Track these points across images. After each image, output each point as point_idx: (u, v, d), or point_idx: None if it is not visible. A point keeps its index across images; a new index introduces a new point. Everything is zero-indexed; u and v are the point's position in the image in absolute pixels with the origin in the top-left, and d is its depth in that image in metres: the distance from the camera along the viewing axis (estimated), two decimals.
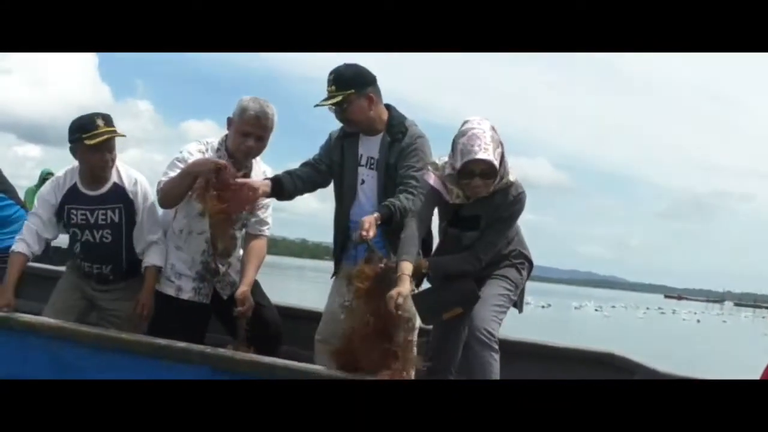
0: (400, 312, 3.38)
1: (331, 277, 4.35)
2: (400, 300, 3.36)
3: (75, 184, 4.25)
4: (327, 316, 4.23)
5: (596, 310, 39.34)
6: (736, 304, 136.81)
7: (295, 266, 77.77)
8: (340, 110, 4.02)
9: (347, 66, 4.06)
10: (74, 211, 4.23)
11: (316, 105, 4.03)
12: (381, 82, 4.13)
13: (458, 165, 3.60)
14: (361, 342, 3.43)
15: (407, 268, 3.52)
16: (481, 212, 3.76)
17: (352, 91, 4.00)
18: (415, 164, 3.98)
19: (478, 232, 3.78)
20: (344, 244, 4.22)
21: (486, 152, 3.53)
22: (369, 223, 3.72)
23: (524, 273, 3.95)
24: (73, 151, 4.18)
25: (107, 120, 4.12)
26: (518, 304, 3.97)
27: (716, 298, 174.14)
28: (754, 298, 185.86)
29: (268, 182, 3.97)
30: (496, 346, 3.61)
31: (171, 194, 4.00)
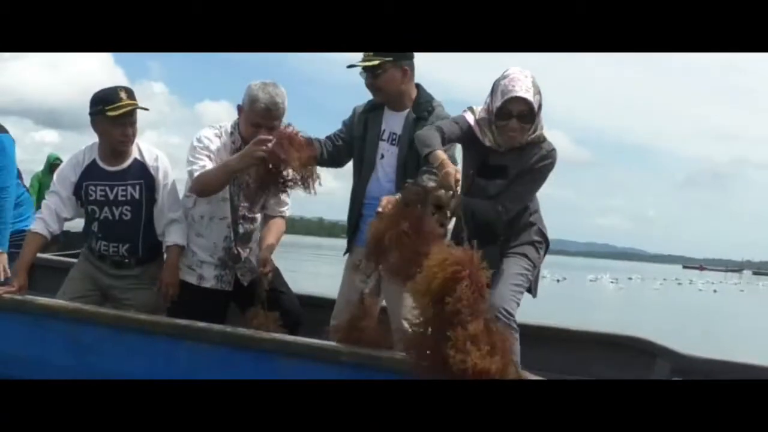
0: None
1: (344, 254, 4.30)
2: (459, 175, 3.41)
3: (94, 160, 4.17)
4: (341, 300, 4.19)
5: (612, 282, 39.21)
6: (755, 273, 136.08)
7: (313, 245, 77.94)
8: (373, 75, 4.01)
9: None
10: (93, 188, 4.15)
11: (350, 66, 4.03)
12: None
13: (498, 103, 3.60)
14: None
15: (443, 154, 3.50)
16: (509, 163, 3.73)
17: (390, 59, 3.99)
18: None
19: (505, 181, 3.74)
20: (358, 220, 4.18)
21: (527, 93, 3.56)
22: (387, 201, 3.68)
23: (542, 253, 3.90)
24: (94, 124, 4.12)
25: (130, 93, 4.08)
26: (532, 289, 3.91)
27: (735, 267, 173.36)
28: None
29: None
30: (516, 326, 3.58)
31: (210, 186, 4.01)
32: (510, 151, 3.72)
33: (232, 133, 4.14)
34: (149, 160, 4.19)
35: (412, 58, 4.07)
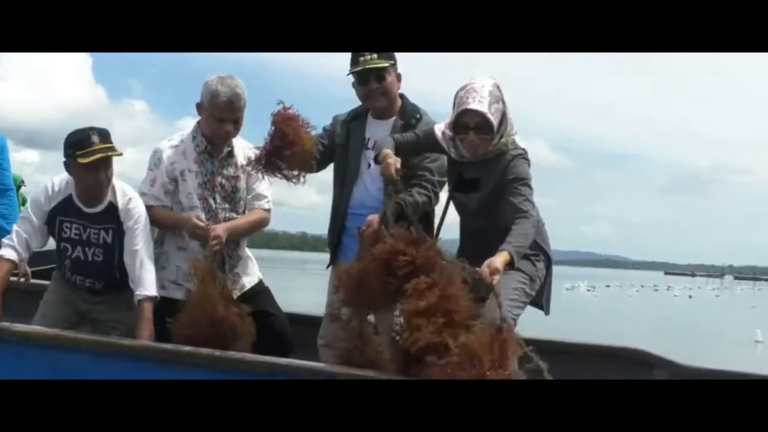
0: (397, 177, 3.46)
1: (327, 267, 4.17)
2: (398, 164, 3.49)
3: (71, 195, 3.94)
4: (327, 318, 4.03)
5: (588, 290, 39.88)
6: (736, 278, 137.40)
7: (298, 260, 78.07)
8: (380, 78, 3.92)
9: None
10: (68, 224, 3.95)
11: (366, 69, 3.90)
12: None
13: (452, 117, 3.55)
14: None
15: (386, 151, 3.57)
16: (480, 175, 3.63)
17: (393, 62, 3.93)
18: (430, 154, 3.86)
19: (478, 195, 3.64)
20: (341, 232, 4.08)
21: (480, 104, 3.45)
22: (368, 224, 3.65)
23: (540, 266, 3.70)
24: (67, 168, 3.90)
25: (103, 136, 3.81)
26: (544, 306, 3.79)
27: (717, 272, 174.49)
28: (754, 271, 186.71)
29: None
30: None
31: (157, 225, 4.02)
32: (480, 162, 3.62)
33: (194, 137, 4.03)
34: (121, 204, 3.93)
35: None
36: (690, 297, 42.15)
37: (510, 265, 3.24)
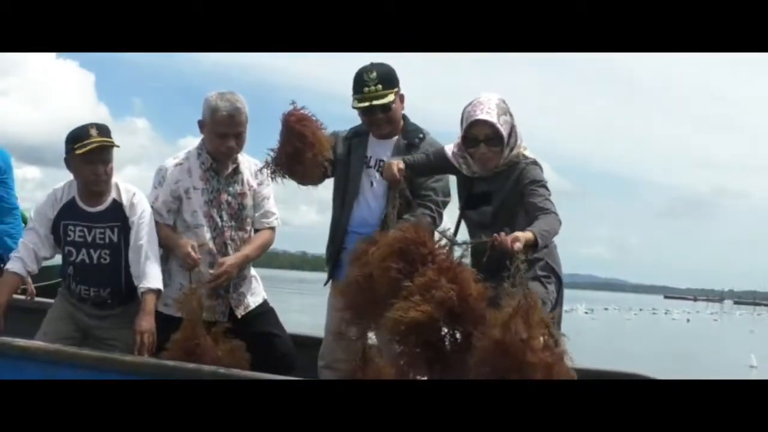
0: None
1: (325, 284, 4.15)
2: (401, 165, 3.57)
3: (73, 198, 3.94)
4: (328, 337, 3.97)
5: (586, 312, 39.94)
6: (736, 302, 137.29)
7: (297, 279, 78.10)
8: (386, 110, 3.90)
9: (380, 64, 3.92)
10: (72, 228, 3.91)
11: (372, 106, 3.88)
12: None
13: (462, 131, 3.53)
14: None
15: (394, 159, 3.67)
16: (492, 188, 3.60)
17: (397, 89, 3.91)
18: (433, 176, 3.88)
19: (490, 207, 3.60)
20: (340, 250, 4.03)
21: (488, 115, 3.44)
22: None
23: (551, 288, 3.61)
24: (67, 164, 3.91)
25: (102, 130, 3.84)
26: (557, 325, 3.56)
27: (716, 297, 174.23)
28: (754, 296, 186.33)
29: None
30: None
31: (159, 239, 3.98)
32: (492, 177, 3.59)
33: (199, 155, 4.01)
34: (125, 200, 3.94)
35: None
36: (688, 321, 42.13)
37: (534, 247, 3.15)
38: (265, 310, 4.19)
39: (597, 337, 23.14)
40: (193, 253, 3.87)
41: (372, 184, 3.98)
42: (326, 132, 3.84)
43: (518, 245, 3.03)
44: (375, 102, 3.85)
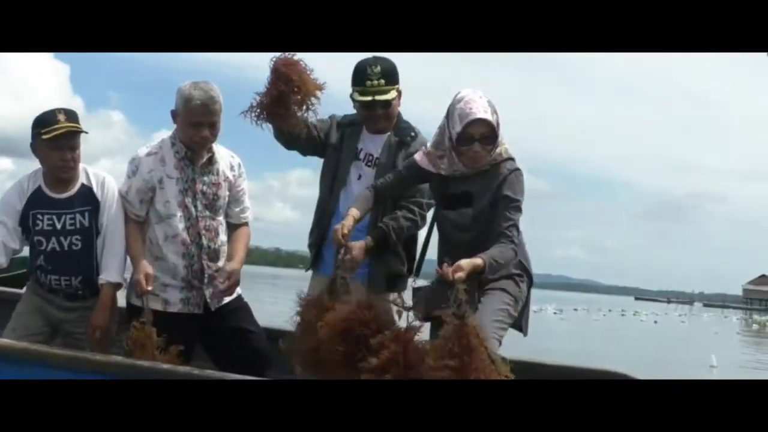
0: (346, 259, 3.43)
1: (306, 270, 4.14)
2: (345, 230, 3.42)
3: (39, 186, 3.86)
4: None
5: (555, 313, 40.24)
6: (705, 305, 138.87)
7: (271, 275, 77.92)
8: (386, 107, 3.87)
9: (384, 59, 3.87)
10: (40, 217, 3.82)
11: (375, 101, 3.83)
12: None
13: (458, 128, 3.43)
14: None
15: (354, 212, 3.53)
16: (471, 188, 3.55)
17: (398, 85, 3.88)
18: None
19: (470, 209, 3.54)
20: (322, 241, 4.02)
21: (486, 113, 3.42)
22: (349, 249, 3.55)
23: (523, 287, 3.65)
24: (33, 149, 3.83)
25: (69, 115, 3.77)
26: (523, 327, 3.72)
27: (687, 299, 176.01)
28: (723, 299, 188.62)
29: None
30: None
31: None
32: (472, 176, 3.55)
33: (173, 144, 3.92)
34: (95, 184, 3.90)
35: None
36: (656, 322, 42.58)
37: (480, 272, 3.20)
38: (239, 306, 4.11)
39: (562, 337, 23.46)
40: (143, 283, 3.75)
41: (360, 176, 3.95)
42: (316, 79, 3.75)
43: (459, 275, 3.06)
44: (378, 97, 3.82)
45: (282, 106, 3.70)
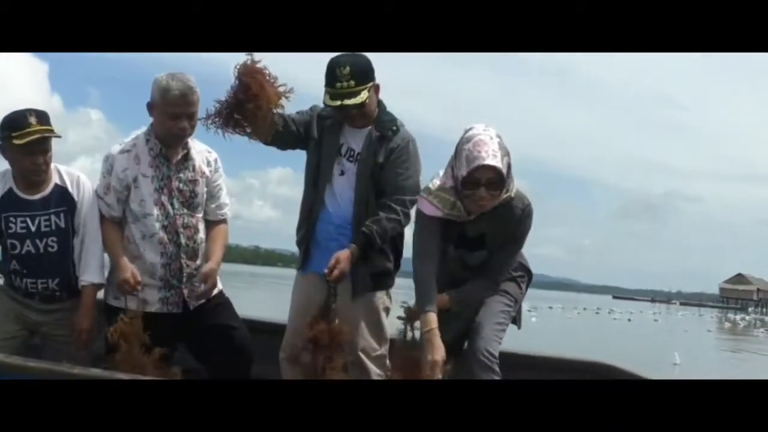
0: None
1: (298, 269, 4.00)
2: (437, 370, 3.18)
3: (10, 188, 3.73)
4: (291, 329, 3.87)
5: (529, 310, 40.58)
6: (682, 303, 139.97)
7: (249, 273, 77.75)
8: (359, 107, 3.68)
9: (355, 55, 3.68)
10: (13, 219, 3.69)
11: (343, 105, 3.65)
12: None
13: (464, 172, 3.29)
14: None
15: (433, 320, 3.28)
16: (486, 230, 3.49)
17: (372, 83, 3.70)
18: (404, 171, 3.72)
19: (484, 252, 3.54)
20: (310, 239, 3.88)
21: (494, 159, 3.26)
22: (336, 262, 3.54)
23: (524, 287, 3.75)
24: (2, 151, 3.68)
25: (41, 117, 3.62)
26: (517, 320, 3.77)
27: (663, 298, 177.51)
28: (700, 297, 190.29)
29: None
30: (497, 368, 3.42)
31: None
32: (482, 216, 3.46)
33: (147, 140, 3.80)
34: (69, 183, 3.78)
35: (373, 69, 3.76)
36: (629, 320, 43.05)
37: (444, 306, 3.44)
38: (221, 302, 3.99)
39: (530, 334, 23.72)
40: (131, 282, 3.69)
41: (342, 172, 3.82)
42: (281, 87, 3.61)
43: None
44: (346, 101, 3.63)
45: (237, 114, 3.60)
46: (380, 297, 3.80)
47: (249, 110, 3.53)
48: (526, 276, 3.74)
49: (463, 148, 3.32)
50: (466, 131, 3.38)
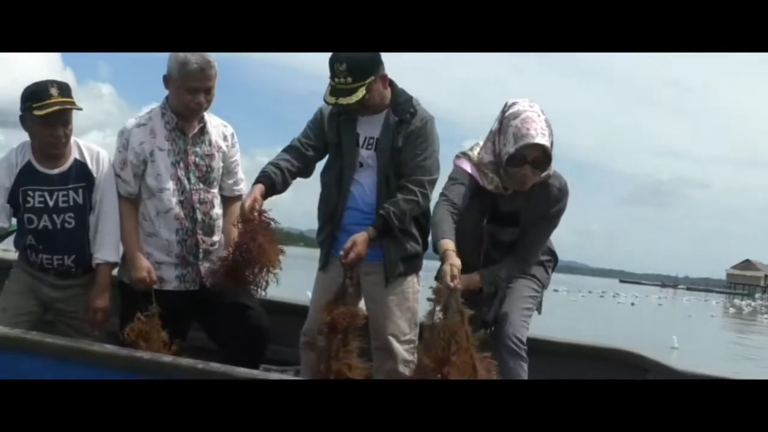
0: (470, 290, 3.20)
1: (321, 268, 3.85)
2: (455, 272, 3.04)
3: (29, 162, 3.68)
4: (312, 315, 3.74)
5: None
6: (689, 288, 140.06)
7: None
8: (361, 101, 3.55)
9: (353, 53, 3.54)
10: (31, 193, 3.64)
11: (338, 104, 3.56)
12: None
13: (511, 149, 3.22)
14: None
15: (450, 244, 3.18)
16: (521, 207, 3.43)
17: (372, 78, 3.57)
18: (422, 152, 3.61)
19: (517, 229, 3.47)
20: (334, 232, 3.76)
21: (543, 137, 3.20)
22: (352, 244, 3.45)
23: (550, 272, 3.71)
24: (23, 122, 3.64)
25: (63, 89, 3.57)
26: (538, 306, 3.70)
27: (671, 282, 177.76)
28: (707, 283, 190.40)
29: (260, 188, 3.58)
30: (525, 355, 3.39)
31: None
32: (519, 193, 3.40)
33: (163, 114, 3.74)
34: (89, 159, 3.73)
35: (381, 60, 3.63)
36: (633, 304, 43.09)
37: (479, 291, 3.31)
38: None
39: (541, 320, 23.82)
40: (147, 281, 3.67)
41: (361, 164, 3.71)
42: (273, 247, 3.62)
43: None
44: (341, 100, 3.53)
45: (242, 274, 3.62)
46: (411, 281, 3.74)
47: (250, 273, 3.61)
48: (552, 260, 3.70)
49: (510, 124, 3.25)
50: (509, 106, 3.32)
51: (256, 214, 3.54)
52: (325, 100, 3.62)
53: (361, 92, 3.51)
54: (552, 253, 3.68)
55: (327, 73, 3.61)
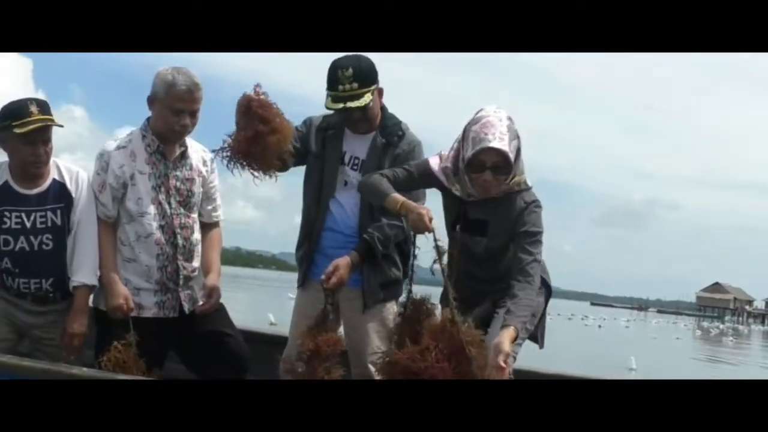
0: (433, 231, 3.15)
1: (299, 286, 3.83)
2: (432, 214, 3.12)
3: (6, 181, 3.58)
4: (293, 340, 3.65)
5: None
6: (659, 311, 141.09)
7: (231, 275, 77.60)
8: (363, 110, 3.51)
9: (358, 57, 3.52)
10: (8, 214, 3.53)
11: (346, 108, 3.49)
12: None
13: (469, 153, 3.18)
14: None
15: (400, 197, 3.23)
16: (488, 217, 3.36)
17: (375, 85, 3.54)
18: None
19: (484, 239, 3.38)
20: (314, 250, 3.73)
21: (501, 142, 3.14)
22: (334, 269, 3.40)
23: (541, 299, 3.50)
24: (2, 141, 3.54)
25: (42, 107, 3.51)
26: (539, 339, 3.59)
27: (642, 305, 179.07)
28: (677, 306, 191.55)
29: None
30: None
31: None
32: (488, 203, 3.34)
33: (144, 137, 3.65)
34: (69, 180, 3.64)
35: (377, 73, 3.58)
36: (599, 327, 43.51)
37: (514, 340, 3.06)
38: (216, 308, 3.81)
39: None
40: (124, 309, 3.55)
41: (345, 183, 3.67)
42: (288, 122, 3.52)
43: (508, 365, 2.97)
44: (349, 104, 3.46)
45: (258, 148, 3.43)
46: (390, 307, 3.70)
47: (271, 143, 3.43)
48: (543, 288, 3.53)
49: (470, 130, 3.22)
50: (477, 113, 3.28)
51: (254, 97, 3.44)
52: (327, 107, 3.57)
53: (367, 97, 3.48)
54: (545, 283, 3.54)
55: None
